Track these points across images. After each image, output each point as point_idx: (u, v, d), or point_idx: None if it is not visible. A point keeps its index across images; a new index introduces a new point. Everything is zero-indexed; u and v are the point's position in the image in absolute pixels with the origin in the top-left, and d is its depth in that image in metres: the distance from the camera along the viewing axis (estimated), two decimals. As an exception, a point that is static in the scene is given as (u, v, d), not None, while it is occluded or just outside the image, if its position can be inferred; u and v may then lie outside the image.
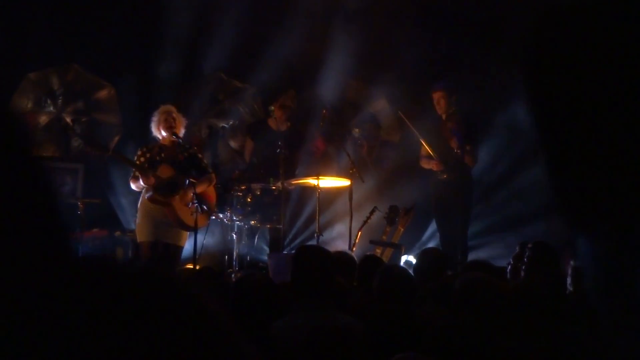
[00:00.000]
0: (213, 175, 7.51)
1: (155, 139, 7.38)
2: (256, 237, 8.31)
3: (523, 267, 5.03)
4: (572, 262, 5.15)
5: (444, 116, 8.36)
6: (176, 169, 7.20)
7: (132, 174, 7.24)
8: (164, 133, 7.26)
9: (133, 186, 7.25)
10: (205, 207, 7.11)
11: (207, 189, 7.39)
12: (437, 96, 8.40)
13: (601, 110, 1.01)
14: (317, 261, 4.06)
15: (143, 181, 7.04)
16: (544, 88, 1.05)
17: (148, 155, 7.23)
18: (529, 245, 5.14)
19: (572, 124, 1.02)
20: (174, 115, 7.29)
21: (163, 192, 7.09)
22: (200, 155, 7.52)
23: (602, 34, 1.02)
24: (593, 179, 1.00)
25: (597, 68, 1.02)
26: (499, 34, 8.92)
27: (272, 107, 8.64)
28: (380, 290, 4.35)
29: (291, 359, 3.47)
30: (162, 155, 7.24)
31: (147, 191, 7.14)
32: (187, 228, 7.15)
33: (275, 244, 8.33)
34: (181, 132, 7.32)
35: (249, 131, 9.11)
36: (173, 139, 7.23)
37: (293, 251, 8.61)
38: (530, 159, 9.15)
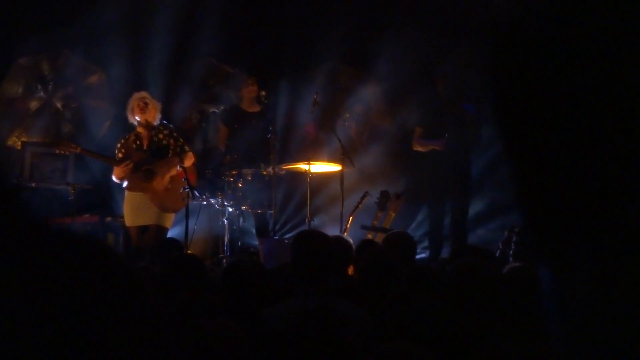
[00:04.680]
0: (191, 153, 7.66)
1: (133, 126, 7.55)
2: (243, 222, 8.30)
3: (511, 252, 5.06)
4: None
5: (447, 97, 8.29)
6: (153, 154, 7.39)
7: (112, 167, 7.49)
8: (138, 118, 7.43)
9: (114, 179, 7.50)
10: (197, 193, 7.19)
11: (187, 167, 7.49)
12: (442, 79, 8.34)
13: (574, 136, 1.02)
14: (317, 246, 4.06)
15: (115, 174, 7.36)
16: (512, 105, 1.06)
17: (124, 150, 7.43)
18: (516, 230, 5.15)
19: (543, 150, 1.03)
20: (147, 100, 7.48)
21: (141, 179, 7.30)
22: (175, 134, 7.59)
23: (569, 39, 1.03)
24: (559, 210, 1.02)
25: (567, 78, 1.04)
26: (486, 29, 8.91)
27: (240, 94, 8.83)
28: (361, 274, 4.38)
29: (288, 345, 3.50)
30: (137, 142, 7.42)
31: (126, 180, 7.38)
32: (170, 210, 7.36)
33: (262, 229, 8.35)
34: (156, 116, 7.48)
35: (221, 118, 9.10)
36: (149, 122, 7.41)
37: (285, 236, 8.66)
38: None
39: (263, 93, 8.53)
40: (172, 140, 7.45)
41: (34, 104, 9.55)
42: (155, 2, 9.47)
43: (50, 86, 9.55)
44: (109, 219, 9.03)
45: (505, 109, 1.07)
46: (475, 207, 8.78)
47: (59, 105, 9.55)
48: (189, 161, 7.57)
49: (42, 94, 9.56)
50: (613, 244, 1.03)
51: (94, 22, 9.29)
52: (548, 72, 1.05)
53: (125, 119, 7.70)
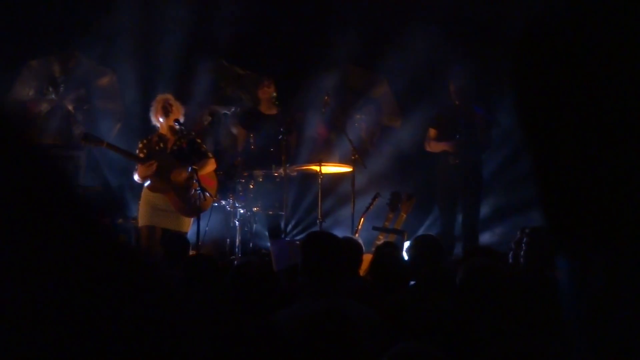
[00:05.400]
0: (213, 160, 7.60)
1: (154, 128, 7.50)
2: (254, 223, 8.29)
3: (522, 253, 5.02)
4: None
5: (458, 98, 8.27)
6: (176, 157, 7.33)
7: (135, 167, 7.37)
8: (161, 120, 7.38)
9: (136, 178, 7.36)
10: (208, 193, 7.18)
11: (207, 173, 7.48)
12: (454, 81, 8.34)
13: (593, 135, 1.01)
14: (326, 248, 4.04)
15: (139, 172, 7.22)
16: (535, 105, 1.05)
17: (146, 150, 7.35)
18: (526, 231, 5.12)
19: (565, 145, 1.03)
20: (171, 102, 7.46)
21: (163, 180, 7.23)
22: (199, 140, 7.59)
23: (591, 40, 1.02)
24: (577, 206, 1.01)
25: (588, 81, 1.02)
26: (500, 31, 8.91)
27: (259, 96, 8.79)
28: (373, 277, 4.36)
29: (297, 347, 3.48)
30: (161, 145, 7.37)
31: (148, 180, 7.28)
32: (190, 214, 7.28)
33: (274, 231, 8.34)
34: (180, 119, 7.43)
35: (240, 120, 9.11)
36: (172, 125, 7.35)
37: (296, 238, 8.64)
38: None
39: (274, 95, 8.53)
40: (195, 146, 7.43)
41: (45, 106, 9.57)
42: (166, 4, 9.48)
43: (61, 88, 9.57)
44: (120, 220, 9.04)
45: (527, 106, 1.06)
46: (483, 210, 8.74)
47: (70, 107, 9.57)
48: (211, 167, 7.55)
49: (53, 96, 9.58)
50: (631, 238, 1.02)
51: (105, 23, 9.31)
52: (571, 71, 1.04)
53: (136, 121, 7.72)
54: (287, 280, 5.28)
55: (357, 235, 7.64)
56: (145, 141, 7.41)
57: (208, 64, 9.95)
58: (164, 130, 7.44)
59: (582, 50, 1.03)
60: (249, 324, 3.03)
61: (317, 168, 7.89)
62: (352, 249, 5.20)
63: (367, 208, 8.11)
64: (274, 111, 8.67)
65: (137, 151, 7.36)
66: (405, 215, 8.14)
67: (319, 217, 7.81)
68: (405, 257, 6.24)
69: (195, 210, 7.14)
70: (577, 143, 1.02)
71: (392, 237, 7.88)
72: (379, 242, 7.42)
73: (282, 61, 9.77)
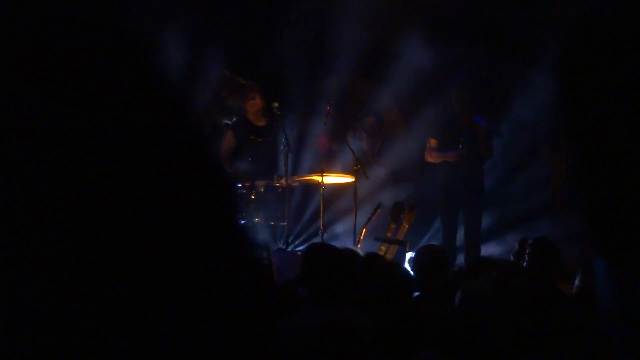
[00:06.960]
0: None
1: None
2: (256, 234, 8.26)
3: (525, 264, 5.00)
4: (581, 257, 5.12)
5: (459, 108, 8.26)
6: None
7: None
8: None
9: None
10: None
11: None
12: (455, 90, 8.34)
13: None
14: (327, 259, 4.06)
15: None
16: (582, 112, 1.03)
17: None
18: (529, 242, 5.10)
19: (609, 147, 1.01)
20: None
21: None
22: None
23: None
24: (618, 211, 1.00)
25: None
26: (506, 37, 8.90)
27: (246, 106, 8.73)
28: (376, 288, 4.34)
29: (299, 357, 3.45)
30: None
31: None
32: None
33: (276, 241, 8.32)
34: None
35: (230, 127, 9.05)
36: None
37: (297, 248, 8.61)
38: (533, 156, 9.10)
39: (276, 105, 8.49)
40: None
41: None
42: (168, 14, 9.47)
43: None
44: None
45: (574, 106, 1.04)
46: (484, 221, 8.73)
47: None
48: None
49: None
50: None
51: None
52: (623, 69, 1.02)
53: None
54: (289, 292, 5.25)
55: (359, 245, 7.61)
56: None
57: (209, 74, 9.94)
58: None
59: (632, 47, 1.01)
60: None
61: (319, 178, 7.87)
62: (349, 259, 5.18)
63: (369, 218, 8.08)
64: (263, 122, 8.64)
65: None
66: (407, 226, 8.11)
67: (321, 227, 7.79)
68: (408, 267, 6.21)
69: None
70: (626, 143, 0.99)
71: (394, 248, 7.86)
72: (380, 253, 7.39)
73: (283, 71, 9.76)
